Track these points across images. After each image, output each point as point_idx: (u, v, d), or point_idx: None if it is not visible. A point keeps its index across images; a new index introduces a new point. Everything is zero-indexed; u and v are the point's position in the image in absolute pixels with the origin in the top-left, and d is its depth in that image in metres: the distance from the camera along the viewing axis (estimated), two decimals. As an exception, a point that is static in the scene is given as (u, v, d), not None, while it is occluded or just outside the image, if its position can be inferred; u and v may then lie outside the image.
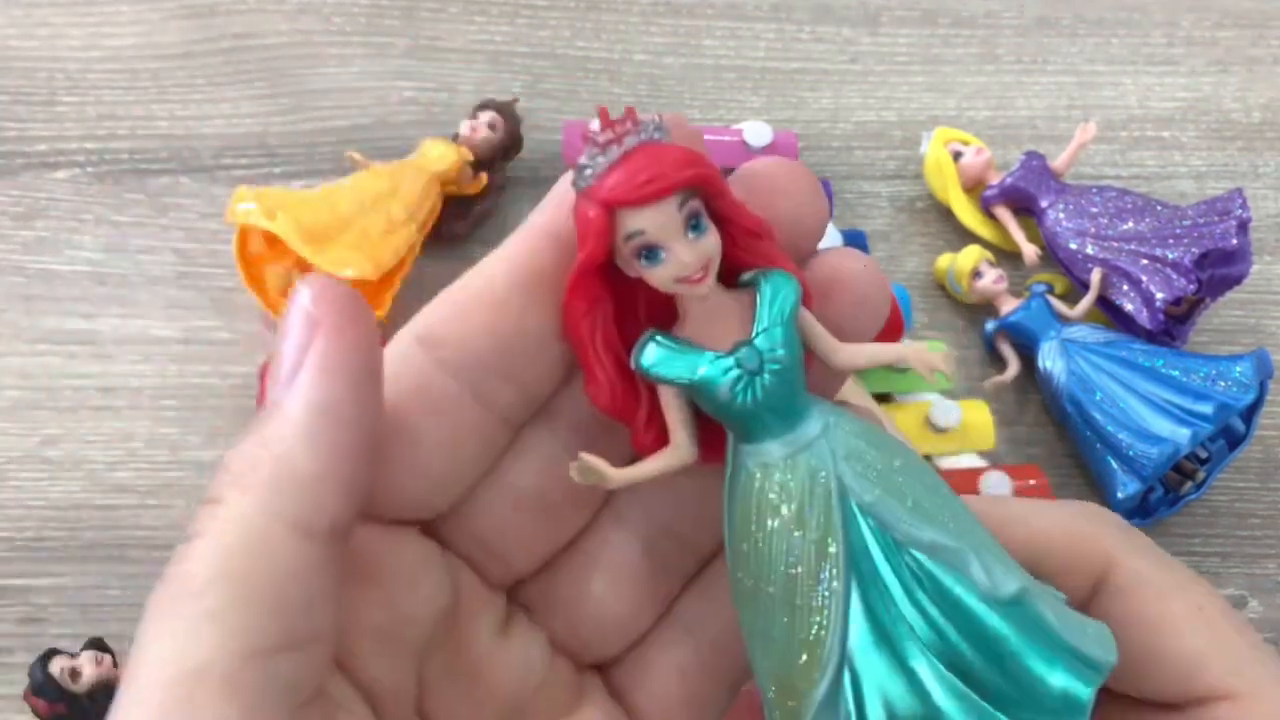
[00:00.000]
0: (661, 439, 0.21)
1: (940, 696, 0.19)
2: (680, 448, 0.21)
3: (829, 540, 0.19)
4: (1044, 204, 0.52)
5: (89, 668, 0.39)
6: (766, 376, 0.20)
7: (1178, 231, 0.49)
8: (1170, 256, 0.48)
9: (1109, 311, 0.51)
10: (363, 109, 0.55)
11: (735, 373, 0.20)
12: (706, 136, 0.56)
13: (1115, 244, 0.50)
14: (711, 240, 0.19)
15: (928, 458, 0.47)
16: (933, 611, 0.19)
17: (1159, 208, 0.50)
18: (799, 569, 0.19)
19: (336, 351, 0.18)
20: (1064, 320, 0.50)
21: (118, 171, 0.52)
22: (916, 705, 0.19)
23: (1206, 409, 0.45)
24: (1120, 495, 0.46)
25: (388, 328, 0.29)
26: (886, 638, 0.19)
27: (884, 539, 0.19)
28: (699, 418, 0.21)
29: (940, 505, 0.20)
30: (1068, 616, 0.20)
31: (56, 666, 0.39)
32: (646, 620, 0.23)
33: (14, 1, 0.55)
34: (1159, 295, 0.48)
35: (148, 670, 0.16)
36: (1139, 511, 0.48)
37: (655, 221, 0.19)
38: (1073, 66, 0.60)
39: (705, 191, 0.19)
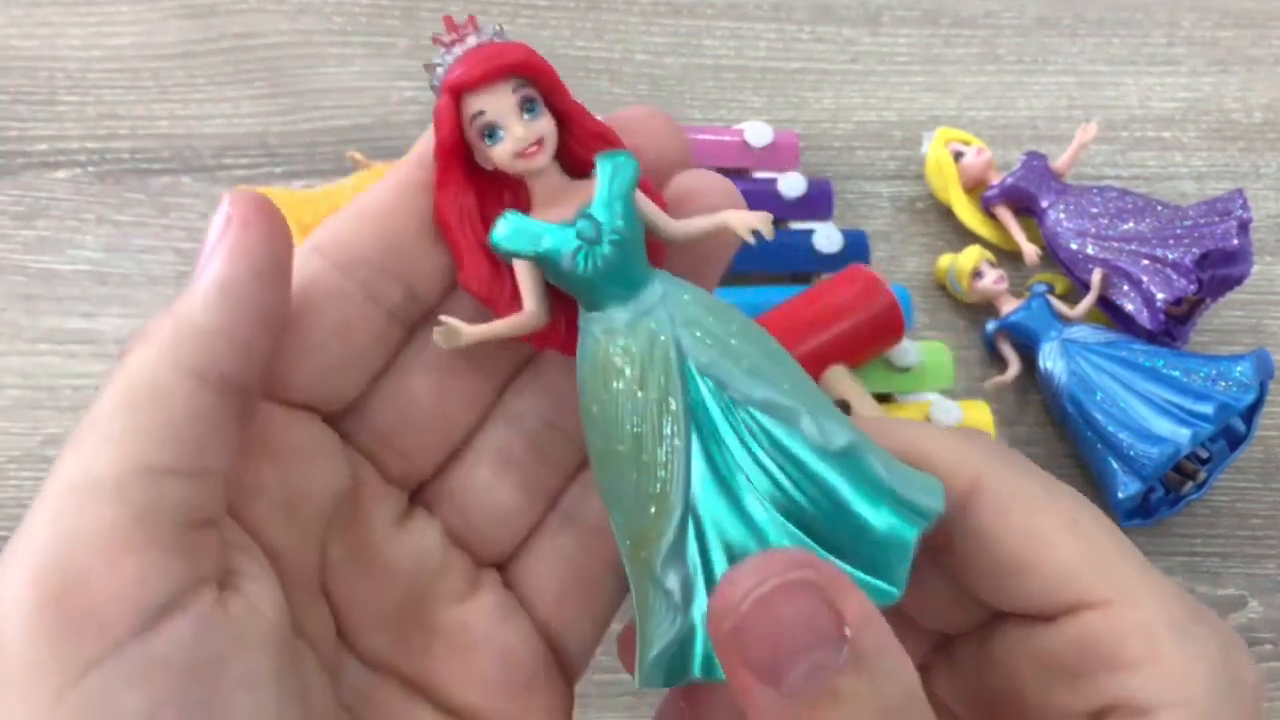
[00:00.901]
0: None
1: (776, 539, 0.21)
2: (530, 314, 0.23)
3: (669, 399, 0.21)
4: (1044, 204, 0.52)
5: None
6: (606, 247, 0.22)
7: (1178, 232, 0.49)
8: (1171, 257, 0.48)
9: (1109, 312, 0.51)
10: (363, 109, 0.55)
11: (575, 243, 0.22)
12: (707, 136, 0.56)
13: (1116, 244, 0.50)
14: (545, 123, 0.22)
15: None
16: (768, 463, 0.21)
17: (1159, 208, 0.50)
18: (644, 427, 0.21)
19: (243, 238, 0.20)
20: (1064, 320, 0.50)
21: (119, 171, 0.52)
22: (754, 547, 0.21)
23: (1207, 409, 0.45)
24: (1121, 495, 0.46)
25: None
26: (726, 488, 0.21)
27: (721, 398, 0.21)
28: (564, 307, 0.23)
29: (776, 368, 0.22)
30: (897, 469, 0.22)
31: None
32: (534, 513, 0.25)
33: (14, 1, 0.55)
34: (1159, 295, 0.48)
35: (50, 484, 0.19)
36: (1140, 511, 0.48)
37: (492, 103, 0.22)
38: (1073, 66, 0.60)
39: (539, 84, 0.22)
